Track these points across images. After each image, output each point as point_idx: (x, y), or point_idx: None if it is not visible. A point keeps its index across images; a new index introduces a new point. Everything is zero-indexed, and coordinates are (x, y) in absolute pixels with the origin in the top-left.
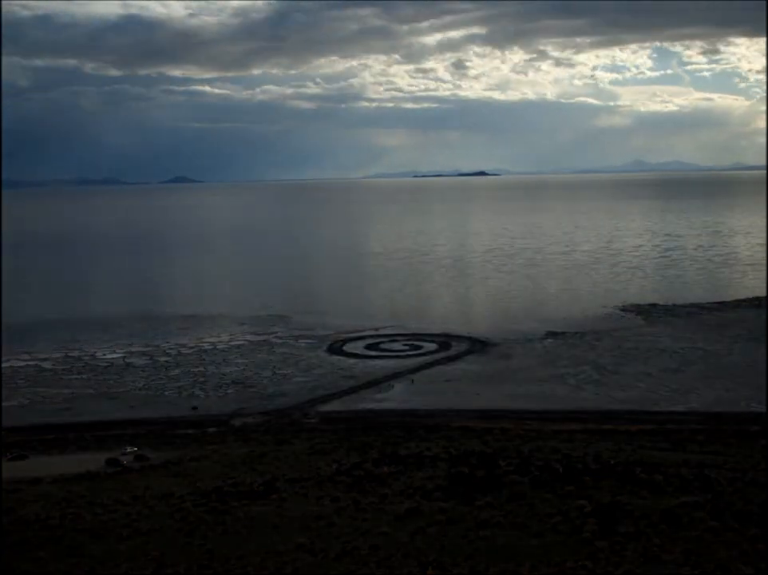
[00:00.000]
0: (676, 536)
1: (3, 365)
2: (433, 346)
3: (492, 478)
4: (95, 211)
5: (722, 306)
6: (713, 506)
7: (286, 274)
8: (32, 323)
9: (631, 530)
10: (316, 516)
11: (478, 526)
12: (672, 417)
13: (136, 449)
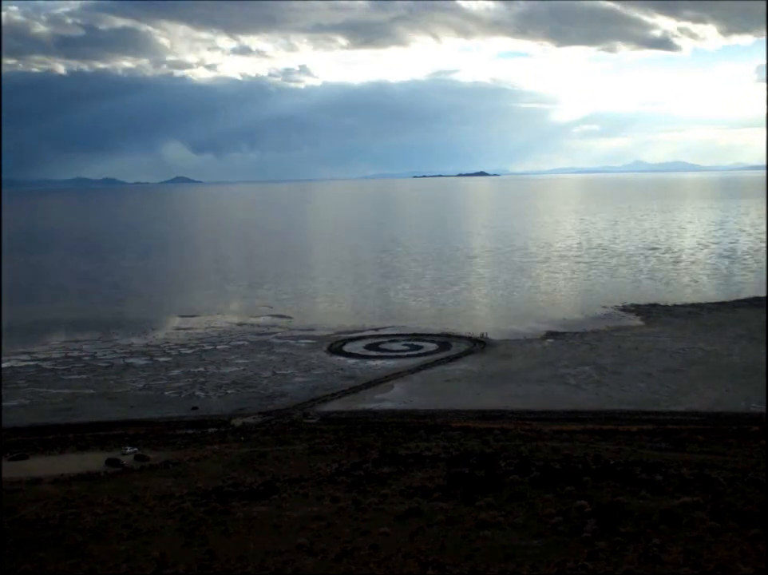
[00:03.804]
0: (676, 536)
1: (3, 365)
2: (433, 346)
3: (492, 478)
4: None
5: (722, 306)
6: (713, 506)
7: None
8: (32, 323)
9: (631, 530)
10: (316, 516)
11: (478, 526)
12: (672, 417)
13: (136, 449)
